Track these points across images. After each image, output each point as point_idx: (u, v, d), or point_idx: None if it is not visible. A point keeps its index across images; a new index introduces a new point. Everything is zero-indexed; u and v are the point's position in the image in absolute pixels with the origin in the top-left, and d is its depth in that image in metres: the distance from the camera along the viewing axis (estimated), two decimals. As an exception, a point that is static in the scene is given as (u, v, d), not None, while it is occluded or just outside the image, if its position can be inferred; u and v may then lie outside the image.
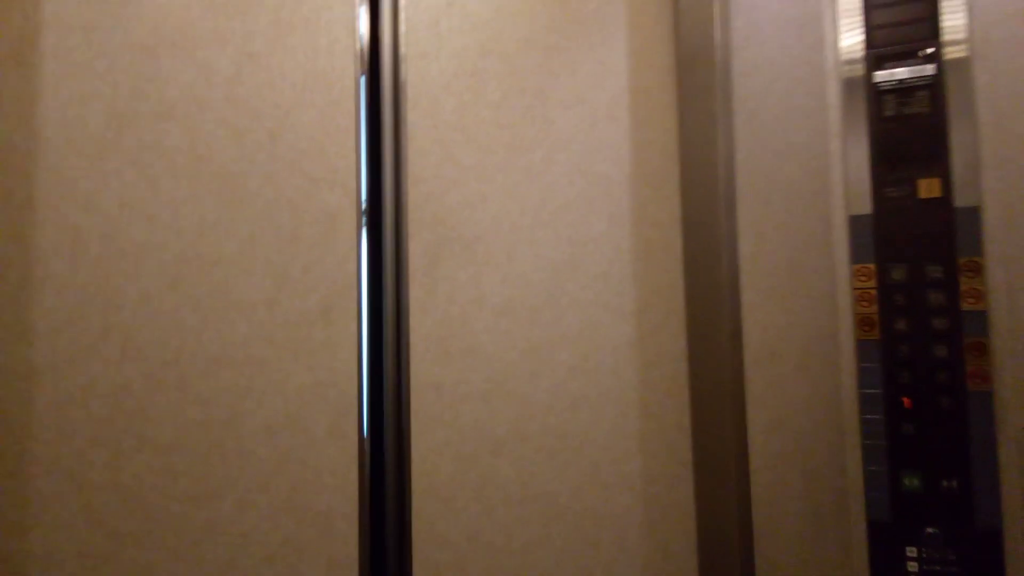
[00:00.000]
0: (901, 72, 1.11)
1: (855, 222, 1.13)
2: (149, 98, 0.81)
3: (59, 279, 0.77)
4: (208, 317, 0.83)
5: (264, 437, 0.85)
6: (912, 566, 1.10)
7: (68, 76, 0.77)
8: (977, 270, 1.08)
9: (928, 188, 1.10)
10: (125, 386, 0.80)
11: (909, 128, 1.11)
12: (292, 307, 0.86)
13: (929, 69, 1.10)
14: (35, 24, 0.77)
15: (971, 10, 1.08)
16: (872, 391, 1.12)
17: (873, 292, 1.13)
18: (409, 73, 0.96)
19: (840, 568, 1.11)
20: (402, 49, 0.97)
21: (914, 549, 1.10)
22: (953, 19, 1.09)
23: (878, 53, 1.12)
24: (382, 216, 0.94)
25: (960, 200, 1.08)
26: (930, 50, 1.10)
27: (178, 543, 0.81)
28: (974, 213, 1.08)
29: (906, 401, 1.11)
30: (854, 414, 1.13)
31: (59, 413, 0.77)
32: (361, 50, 0.93)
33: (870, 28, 1.13)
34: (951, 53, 1.09)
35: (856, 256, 1.13)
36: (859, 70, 1.13)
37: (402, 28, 0.97)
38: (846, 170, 1.14)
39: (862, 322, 1.13)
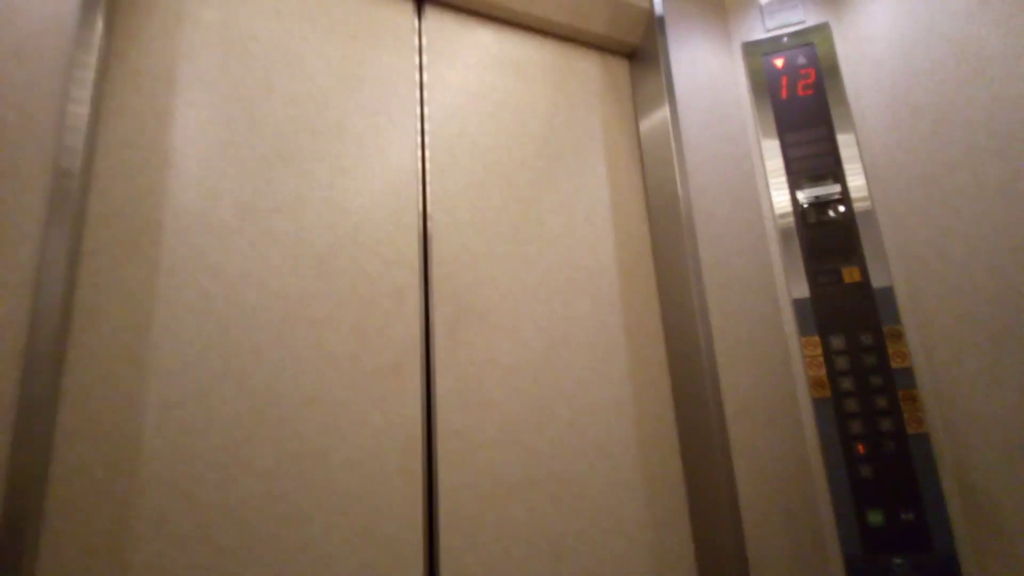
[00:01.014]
0: (816, 191, 1.43)
1: (798, 304, 1.39)
2: (265, 196, 1.03)
3: (189, 331, 0.97)
4: (304, 366, 1.01)
5: (346, 470, 0.99)
6: None
7: (206, 176, 1.02)
8: (899, 336, 1.33)
9: (850, 275, 1.38)
10: (237, 420, 0.96)
11: (829, 231, 1.41)
12: (370, 361, 1.05)
13: (837, 187, 1.42)
14: (184, 139, 1.04)
15: (860, 143, 1.43)
16: (830, 440, 1.31)
17: (820, 358, 1.36)
18: (432, 182, 1.24)
19: None
20: (427, 169, 1.25)
21: None
22: (848, 149, 1.43)
23: (797, 178, 1.45)
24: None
25: (876, 282, 1.36)
26: (834, 175, 1.43)
27: (273, 560, 0.93)
28: (888, 291, 1.35)
29: (859, 447, 1.31)
30: (819, 460, 1.31)
31: (181, 441, 0.93)
32: (417, 170, 1.22)
33: (788, 161, 1.47)
34: (851, 173, 1.42)
35: (803, 330, 1.38)
36: (785, 192, 1.45)
37: (427, 154, 1.25)
38: (785, 265, 1.42)
39: (814, 383, 1.35)
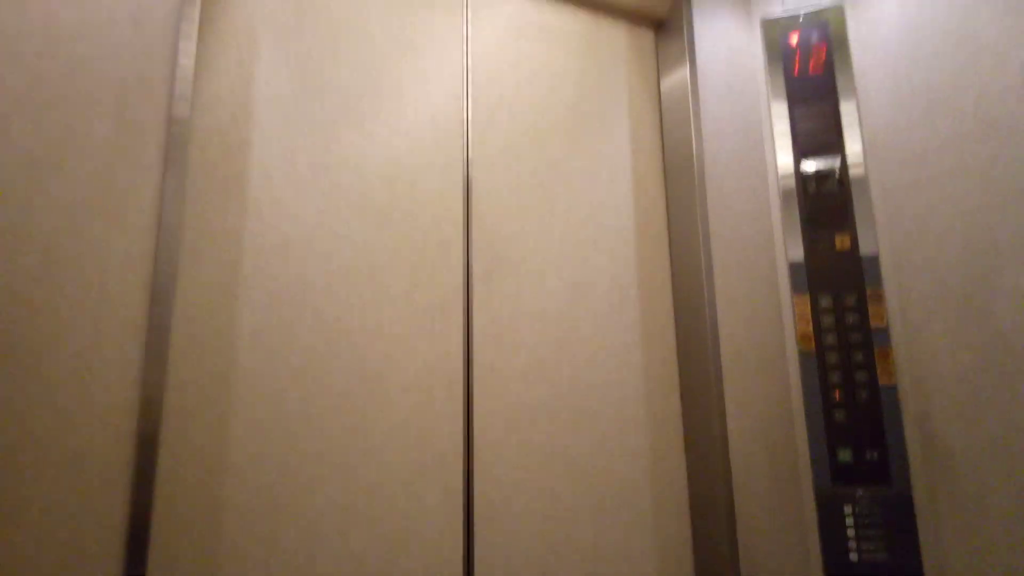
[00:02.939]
0: (818, 163, 1.57)
1: (793, 266, 1.56)
2: (335, 153, 1.16)
3: (273, 270, 1.10)
4: (368, 303, 1.16)
5: (401, 392, 1.15)
6: (849, 520, 1.44)
7: (285, 133, 1.14)
8: (879, 298, 1.50)
9: (842, 242, 1.54)
10: (313, 347, 1.10)
11: (826, 201, 1.56)
12: (422, 300, 1.21)
13: (837, 161, 1.57)
14: (266, 99, 1.18)
15: (862, 120, 1.57)
16: (811, 388, 1.50)
17: (808, 315, 1.54)
18: (474, 144, 1.37)
19: (798, 523, 1.44)
20: (471, 127, 1.39)
21: (849, 507, 1.44)
22: (851, 126, 1.57)
23: (802, 150, 1.59)
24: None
25: (864, 249, 1.52)
26: (835, 149, 1.57)
27: (344, 462, 1.11)
28: (874, 259, 1.51)
29: (836, 394, 1.49)
30: (800, 404, 1.50)
31: (269, 362, 1.09)
32: (465, 131, 1.36)
33: (795, 133, 1.61)
34: (851, 149, 1.56)
35: (796, 289, 1.54)
36: (790, 162, 1.59)
37: (470, 117, 1.39)
38: (784, 230, 1.57)
39: (802, 337, 1.53)
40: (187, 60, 1.01)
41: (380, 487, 1.13)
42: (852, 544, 1.42)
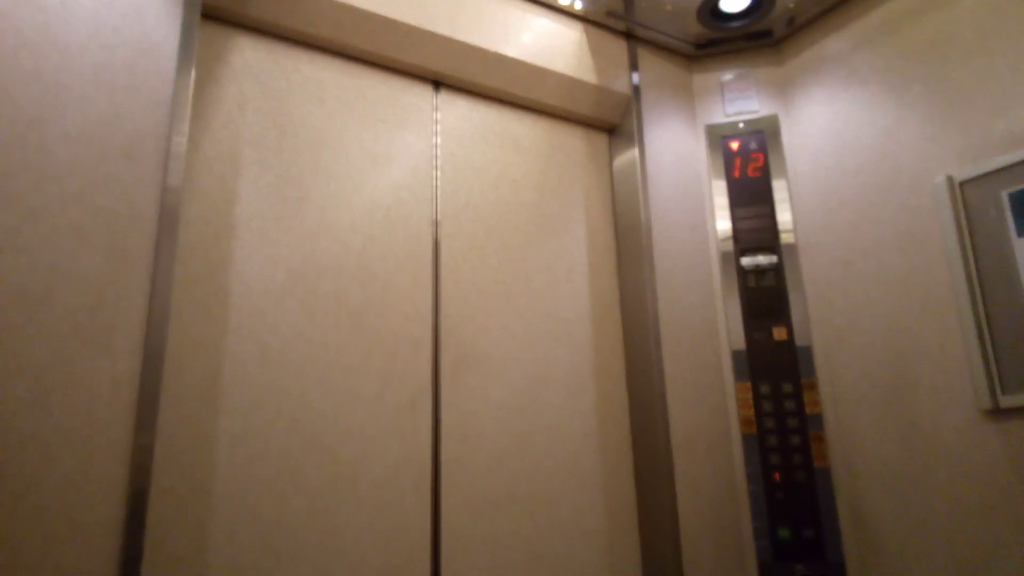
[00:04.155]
0: (757, 260, 1.72)
1: (735, 355, 1.68)
2: (312, 263, 1.23)
3: (251, 378, 1.18)
4: (341, 406, 1.23)
5: (372, 490, 1.21)
6: None
7: (264, 246, 1.22)
8: (813, 386, 1.63)
9: (779, 333, 1.68)
10: (289, 451, 1.18)
11: (765, 295, 1.70)
12: (392, 399, 1.27)
13: (774, 258, 1.71)
14: (247, 215, 1.24)
15: (796, 222, 1.72)
16: (754, 469, 1.61)
17: (750, 401, 1.66)
18: (442, 246, 1.47)
19: None
20: (440, 230, 1.48)
21: None
22: (786, 226, 1.72)
23: (742, 247, 1.74)
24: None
25: (799, 341, 1.66)
26: (773, 248, 1.72)
27: (318, 562, 1.15)
28: (808, 350, 1.65)
29: (776, 475, 1.61)
30: (744, 485, 1.61)
31: (246, 468, 1.15)
32: (434, 234, 1.45)
33: (736, 232, 1.75)
34: (787, 247, 1.71)
35: (738, 376, 1.67)
36: (732, 259, 1.73)
37: (439, 221, 1.48)
38: (727, 320, 1.70)
39: (744, 422, 1.65)
40: (175, 193, 1.08)
41: (352, 587, 1.18)
42: (793, 618, 1.53)
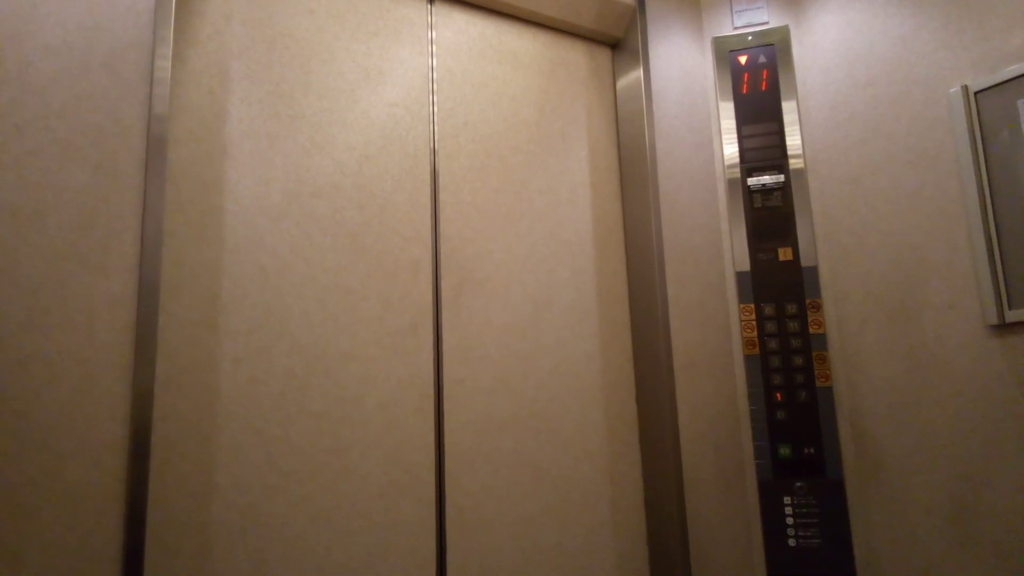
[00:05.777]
0: (764, 179, 1.68)
1: (740, 276, 1.67)
2: (307, 183, 1.20)
3: (251, 299, 1.17)
4: (342, 327, 1.22)
5: (377, 411, 1.23)
6: (788, 509, 1.57)
7: (258, 165, 1.19)
8: (818, 307, 1.62)
9: (784, 254, 1.65)
10: (292, 371, 1.18)
11: (770, 215, 1.67)
12: (393, 323, 1.27)
13: (781, 177, 1.67)
14: (238, 133, 1.20)
15: (804, 140, 1.67)
16: (755, 389, 1.62)
17: (754, 322, 1.65)
18: (441, 167, 1.43)
19: (742, 514, 1.57)
20: (438, 150, 1.44)
21: (789, 497, 1.57)
22: (794, 145, 1.67)
23: (749, 166, 1.69)
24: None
25: (805, 262, 1.64)
26: (780, 167, 1.68)
27: (323, 480, 1.18)
28: (814, 270, 1.63)
29: (778, 395, 1.62)
30: (745, 405, 1.62)
31: (250, 389, 1.15)
32: (432, 154, 1.41)
33: (742, 151, 1.70)
34: (794, 166, 1.66)
35: (742, 298, 1.66)
36: (738, 178, 1.69)
37: (436, 140, 1.44)
38: (732, 242, 1.68)
39: (747, 343, 1.64)
40: (162, 103, 1.04)
41: (359, 502, 1.20)
42: (791, 531, 1.56)
